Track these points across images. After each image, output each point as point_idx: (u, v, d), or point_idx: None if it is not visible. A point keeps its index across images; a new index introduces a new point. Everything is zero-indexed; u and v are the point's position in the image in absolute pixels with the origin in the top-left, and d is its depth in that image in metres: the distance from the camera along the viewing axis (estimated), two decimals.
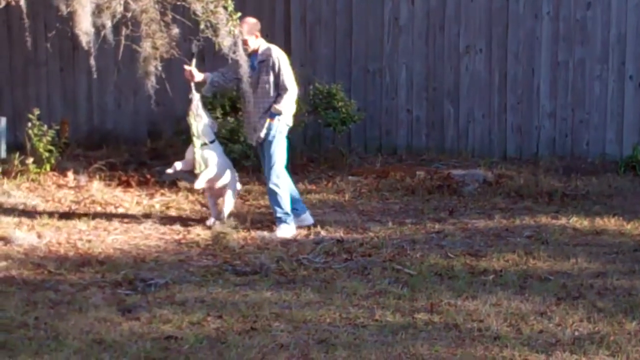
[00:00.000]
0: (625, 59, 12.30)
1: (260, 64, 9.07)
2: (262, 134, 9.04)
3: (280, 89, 9.01)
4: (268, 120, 9.02)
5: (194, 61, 9.39)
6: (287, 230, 8.93)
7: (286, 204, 9.00)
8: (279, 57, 9.06)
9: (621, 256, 8.06)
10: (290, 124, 9.24)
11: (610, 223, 9.29)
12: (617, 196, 10.63)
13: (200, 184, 9.20)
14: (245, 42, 9.01)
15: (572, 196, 10.54)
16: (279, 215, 9.00)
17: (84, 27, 8.77)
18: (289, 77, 9.08)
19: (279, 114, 9.04)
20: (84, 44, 8.97)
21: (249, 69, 9.03)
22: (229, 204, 9.39)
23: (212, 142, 9.34)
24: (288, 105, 9.11)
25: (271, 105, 9.01)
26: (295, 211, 9.15)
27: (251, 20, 9.20)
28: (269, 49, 9.13)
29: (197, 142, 9.20)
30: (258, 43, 9.17)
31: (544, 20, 12.41)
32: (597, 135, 12.39)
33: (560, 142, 12.44)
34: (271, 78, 9.00)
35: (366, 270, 7.75)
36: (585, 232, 8.98)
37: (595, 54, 12.34)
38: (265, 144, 9.09)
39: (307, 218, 9.27)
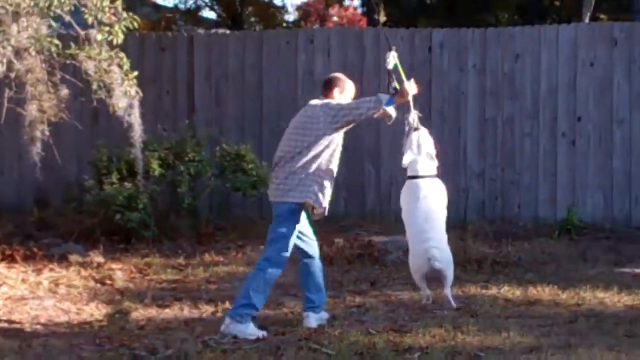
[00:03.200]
0: (557, 115, 12.64)
1: None
2: None
3: None
4: None
5: (402, 75, 8.37)
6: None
7: None
8: None
9: (556, 328, 8.15)
10: None
11: (545, 292, 9.43)
12: (551, 263, 10.82)
13: None
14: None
15: (503, 263, 10.69)
16: None
17: None
18: None
19: None
20: None
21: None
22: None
23: (412, 177, 8.54)
24: None
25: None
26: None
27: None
28: None
29: None
30: None
31: (470, 74, 12.72)
32: (529, 197, 12.65)
33: (489, 205, 12.67)
34: None
35: (280, 350, 7.71)
36: (517, 303, 9.08)
37: (525, 110, 12.67)
38: None
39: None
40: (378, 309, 8.93)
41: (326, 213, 8.22)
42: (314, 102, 8.34)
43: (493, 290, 9.51)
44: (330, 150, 8.19)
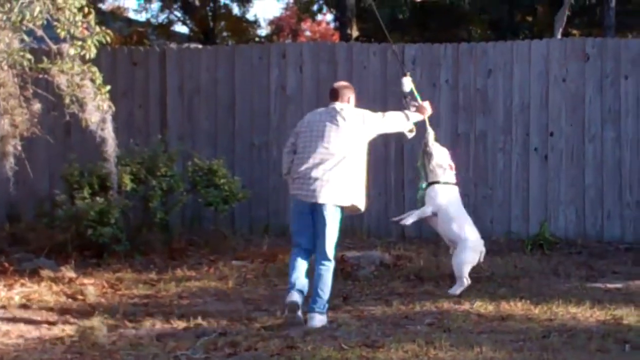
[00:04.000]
0: (529, 130, 12.71)
1: None
2: None
3: None
4: None
5: (415, 95, 9.49)
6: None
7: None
8: None
9: (529, 343, 8.18)
10: (291, 191, 9.14)
11: (517, 307, 9.47)
12: (523, 277, 10.86)
13: (407, 220, 9.95)
14: None
15: (476, 278, 10.68)
16: None
17: None
18: None
19: None
20: None
21: None
22: (458, 265, 9.84)
23: (444, 182, 9.84)
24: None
25: None
26: None
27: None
28: None
29: (423, 182, 9.89)
30: None
31: (443, 89, 12.79)
32: (502, 211, 12.72)
33: None
34: None
35: None
36: (490, 318, 9.11)
37: (498, 125, 12.74)
38: None
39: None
40: (351, 325, 8.93)
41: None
42: (345, 107, 8.99)
43: (466, 305, 9.53)
44: (365, 156, 9.01)
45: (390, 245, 12.02)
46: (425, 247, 12.00)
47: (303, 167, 8.82)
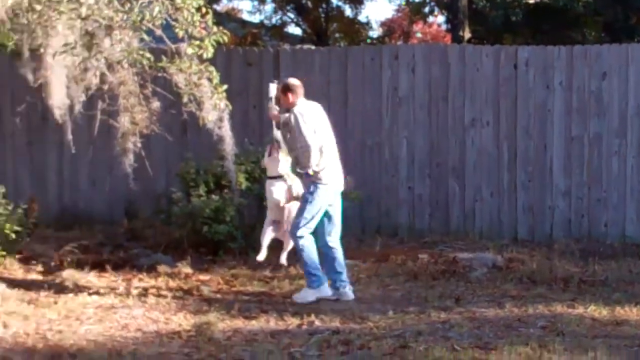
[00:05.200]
0: None
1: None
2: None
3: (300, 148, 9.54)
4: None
5: (273, 101, 9.88)
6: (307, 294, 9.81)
7: (311, 263, 9.79)
8: (296, 113, 9.51)
9: None
10: (325, 182, 9.54)
11: (632, 312, 9.31)
12: (638, 282, 10.67)
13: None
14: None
15: (589, 282, 10.59)
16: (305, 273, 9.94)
17: (58, 99, 8.90)
18: (304, 133, 9.45)
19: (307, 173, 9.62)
20: (57, 117, 9.08)
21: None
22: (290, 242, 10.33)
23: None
24: (312, 164, 9.49)
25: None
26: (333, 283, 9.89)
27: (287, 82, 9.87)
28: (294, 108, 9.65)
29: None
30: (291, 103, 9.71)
31: (556, 92, 12.62)
32: (616, 215, 12.50)
33: (576, 223, 12.54)
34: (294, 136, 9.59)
35: None
36: (604, 323, 8.98)
37: (613, 128, 12.52)
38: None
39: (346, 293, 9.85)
40: (463, 326, 8.88)
41: None
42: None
43: (580, 310, 9.40)
44: None
45: (503, 248, 11.90)
46: (537, 250, 11.85)
47: (332, 159, 9.63)
